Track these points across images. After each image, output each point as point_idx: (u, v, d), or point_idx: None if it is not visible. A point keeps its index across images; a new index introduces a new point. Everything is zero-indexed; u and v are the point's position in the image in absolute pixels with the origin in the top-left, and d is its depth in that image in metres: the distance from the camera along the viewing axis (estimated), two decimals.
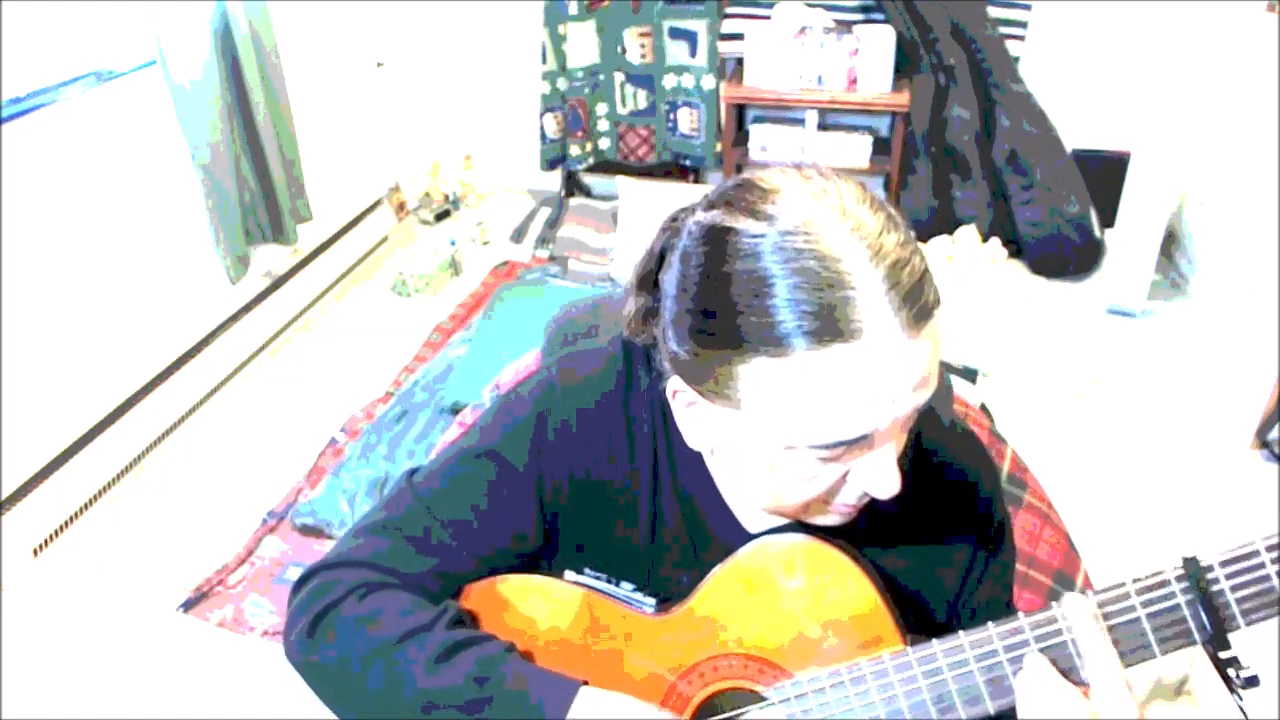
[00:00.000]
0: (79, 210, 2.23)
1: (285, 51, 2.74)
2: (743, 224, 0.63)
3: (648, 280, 0.77)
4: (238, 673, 1.90)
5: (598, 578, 0.81)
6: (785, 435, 0.65)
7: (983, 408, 2.42)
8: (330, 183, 3.11)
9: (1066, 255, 3.21)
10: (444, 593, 0.78)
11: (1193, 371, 2.73)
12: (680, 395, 0.72)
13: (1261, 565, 0.64)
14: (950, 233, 3.28)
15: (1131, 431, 2.51)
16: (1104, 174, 3.18)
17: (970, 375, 2.67)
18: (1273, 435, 2.39)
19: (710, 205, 0.67)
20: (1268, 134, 2.64)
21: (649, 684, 0.77)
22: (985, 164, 3.27)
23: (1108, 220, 3.18)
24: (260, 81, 2.60)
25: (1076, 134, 3.23)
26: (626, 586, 0.80)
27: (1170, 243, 3.15)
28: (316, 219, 2.96)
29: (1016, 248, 3.29)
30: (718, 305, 0.64)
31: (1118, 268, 3.01)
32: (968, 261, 3.20)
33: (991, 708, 0.69)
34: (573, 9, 3.37)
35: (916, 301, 0.61)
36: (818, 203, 0.63)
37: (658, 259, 0.75)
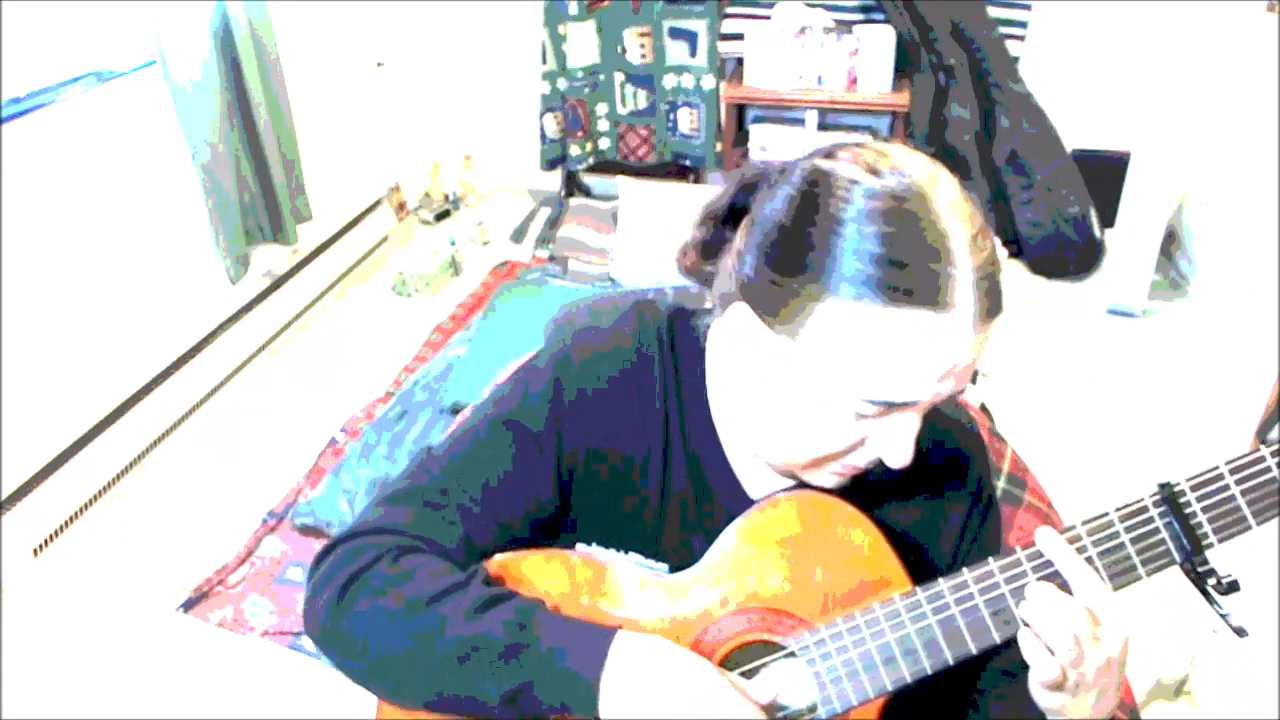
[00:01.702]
0: (79, 210, 2.23)
1: (285, 51, 2.74)
2: (863, 177, 0.66)
3: (716, 218, 0.80)
4: (238, 673, 1.90)
5: (606, 548, 0.82)
6: (839, 380, 0.68)
7: (983, 408, 2.43)
8: (330, 183, 3.11)
9: (1066, 255, 3.21)
10: (467, 560, 0.79)
11: (1193, 371, 2.73)
12: (738, 321, 0.73)
13: (1227, 487, 0.71)
14: None
15: (1131, 431, 2.51)
16: (1104, 174, 3.18)
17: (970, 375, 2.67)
18: (1273, 435, 2.38)
19: (829, 155, 0.70)
20: (1268, 134, 2.64)
21: None
22: (985, 164, 3.27)
23: (1108, 220, 3.18)
24: (260, 81, 2.60)
25: (1076, 134, 3.23)
26: (635, 557, 0.82)
27: (1170, 243, 3.15)
28: (316, 219, 2.96)
29: (1016, 248, 3.29)
30: (819, 243, 0.66)
31: (1118, 268, 3.01)
32: None
33: (997, 637, 0.74)
34: (573, 9, 3.37)
35: (995, 296, 0.66)
36: (932, 183, 0.67)
37: (728, 205, 0.79)
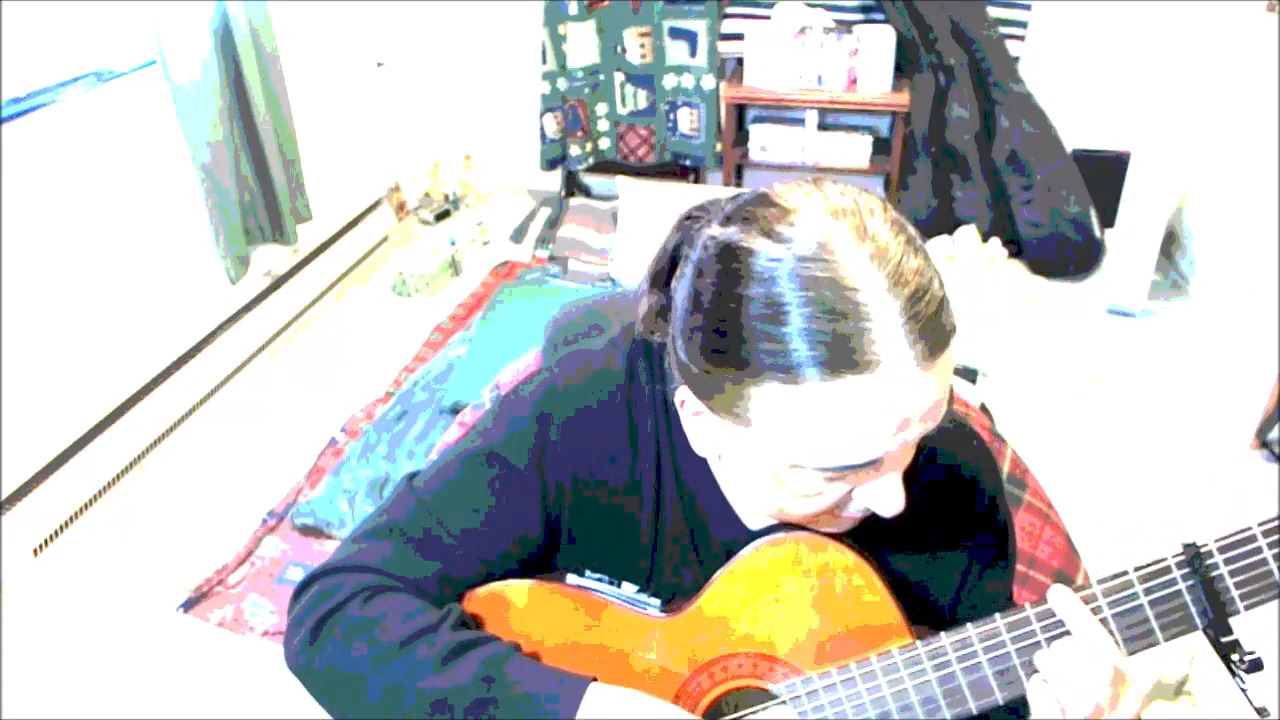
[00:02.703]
0: (79, 210, 2.23)
1: (285, 51, 2.74)
2: (759, 245, 0.62)
3: (660, 278, 0.76)
4: (238, 673, 1.90)
5: (599, 580, 0.80)
6: (793, 456, 0.65)
7: (983, 408, 2.42)
8: (330, 183, 3.11)
9: (1066, 255, 3.21)
10: (447, 597, 0.77)
11: (1193, 371, 2.73)
12: (688, 405, 0.72)
13: (1259, 550, 0.66)
14: (950, 233, 3.27)
15: (1131, 431, 2.51)
16: (1104, 174, 3.18)
17: (970, 375, 2.67)
18: (1273, 435, 2.38)
19: (727, 220, 0.66)
20: (1268, 134, 2.64)
21: (658, 685, 0.77)
22: (985, 164, 3.27)
23: (1108, 220, 3.18)
24: (260, 81, 2.60)
25: (1076, 134, 3.23)
26: (629, 588, 0.79)
27: (1170, 243, 3.15)
28: (316, 219, 2.96)
29: (1016, 248, 3.29)
30: (730, 327, 0.63)
31: (1118, 268, 3.01)
32: (968, 261, 3.19)
33: (1000, 698, 0.70)
34: (573, 9, 3.37)
35: (934, 331, 0.60)
36: (837, 224, 0.61)
37: (669, 258, 0.75)
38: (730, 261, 0.63)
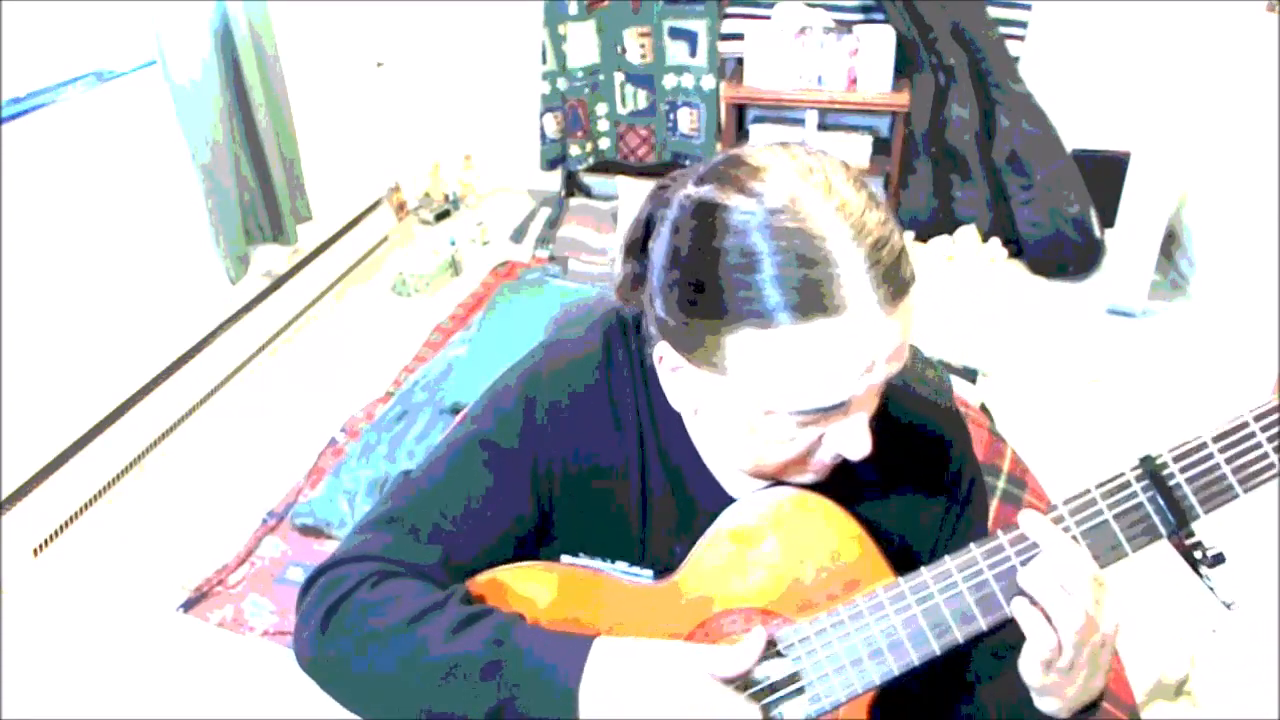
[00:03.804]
0: (79, 210, 2.23)
1: (285, 51, 2.74)
2: (733, 200, 0.66)
3: (635, 247, 0.80)
4: (238, 673, 1.90)
5: (592, 559, 0.83)
6: (767, 401, 0.68)
7: (983, 408, 2.43)
8: (330, 183, 3.11)
9: (1066, 255, 3.21)
10: (450, 582, 0.79)
11: (1193, 371, 2.73)
12: (666, 360, 0.75)
13: (1210, 456, 0.70)
14: (950, 233, 3.27)
15: (1132, 432, 2.51)
16: (1104, 174, 3.18)
17: (970, 375, 2.67)
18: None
19: (701, 180, 0.70)
20: (1268, 134, 2.64)
21: None
22: (985, 164, 3.27)
23: (1108, 220, 3.18)
24: (260, 81, 2.60)
25: (1076, 134, 3.23)
26: (621, 565, 0.82)
27: (1170, 243, 3.15)
28: (316, 219, 2.96)
29: (1016, 248, 3.29)
30: (707, 278, 0.66)
31: (1118, 268, 3.01)
32: (968, 261, 3.20)
33: (984, 624, 0.73)
34: (573, 9, 3.37)
35: (895, 279, 0.64)
36: (805, 181, 0.66)
37: (644, 226, 0.78)
38: (706, 217, 0.67)
